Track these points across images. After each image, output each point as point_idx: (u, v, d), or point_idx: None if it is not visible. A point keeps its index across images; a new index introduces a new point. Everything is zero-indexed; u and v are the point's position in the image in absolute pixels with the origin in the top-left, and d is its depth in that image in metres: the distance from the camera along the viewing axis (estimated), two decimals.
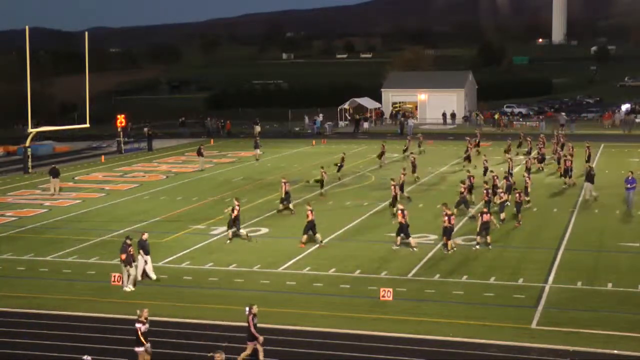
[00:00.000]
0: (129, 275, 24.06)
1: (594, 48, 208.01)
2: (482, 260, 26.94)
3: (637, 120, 75.50)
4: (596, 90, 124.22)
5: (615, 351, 18.16)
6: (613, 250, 28.20)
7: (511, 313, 21.30)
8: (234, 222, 30.23)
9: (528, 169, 41.29)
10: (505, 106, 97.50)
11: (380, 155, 50.60)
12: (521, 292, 23.15)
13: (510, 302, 22.33)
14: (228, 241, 29.94)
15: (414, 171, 43.04)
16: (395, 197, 34.36)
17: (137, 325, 17.31)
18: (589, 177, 37.37)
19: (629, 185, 33.38)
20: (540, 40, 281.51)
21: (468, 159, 49.06)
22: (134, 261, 24.20)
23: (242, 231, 30.52)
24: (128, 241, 24.08)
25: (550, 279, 24.46)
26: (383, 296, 22.49)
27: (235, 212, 30.20)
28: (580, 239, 29.87)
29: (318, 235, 29.20)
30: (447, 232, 27.97)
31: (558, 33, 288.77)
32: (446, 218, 27.82)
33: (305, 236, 29.19)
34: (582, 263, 26.37)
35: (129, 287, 23.95)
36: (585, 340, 18.96)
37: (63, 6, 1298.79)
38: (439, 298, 22.78)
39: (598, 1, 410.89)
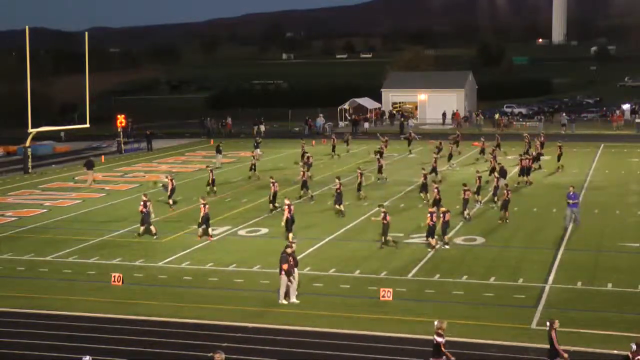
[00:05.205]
0: (287, 287, 22.38)
1: (594, 48, 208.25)
2: (482, 260, 26.95)
3: (637, 120, 75.54)
4: (596, 90, 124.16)
5: (615, 351, 18.15)
6: (613, 250, 28.21)
7: (511, 313, 21.30)
8: (146, 218, 31.00)
9: (493, 169, 41.58)
10: (505, 106, 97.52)
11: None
12: (521, 292, 23.15)
13: (510, 302, 22.33)
14: (137, 235, 31.05)
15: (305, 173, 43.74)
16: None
17: (438, 339, 16.29)
18: (502, 172, 38.91)
19: (570, 202, 31.92)
20: (540, 40, 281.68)
21: (450, 157, 49.81)
22: (293, 272, 22.54)
23: (149, 228, 31.05)
24: (288, 250, 22.51)
25: (550, 279, 24.47)
26: (383, 296, 22.49)
27: (143, 208, 30.85)
28: (580, 239, 29.87)
29: (210, 230, 30.56)
30: (443, 230, 28.37)
31: (558, 33, 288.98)
32: (442, 215, 28.23)
33: (200, 230, 30.34)
34: (582, 263, 26.37)
35: (292, 300, 22.37)
36: (585, 340, 18.96)
37: (63, 6, 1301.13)
38: (439, 298, 22.79)
39: (598, 1, 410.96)
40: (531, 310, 21.37)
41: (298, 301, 22.34)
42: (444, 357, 16.29)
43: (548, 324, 16.57)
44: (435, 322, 16.58)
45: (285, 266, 22.23)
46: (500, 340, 19.20)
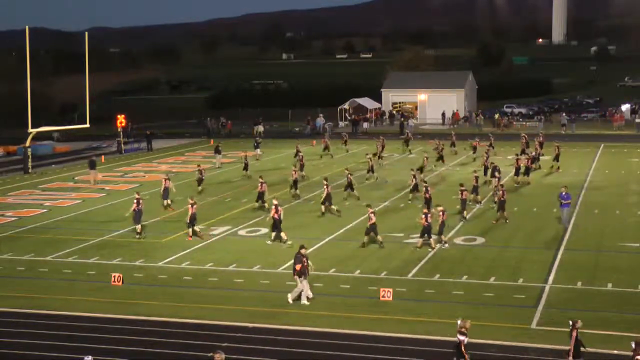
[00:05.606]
0: (301, 288, 22.16)
1: (594, 48, 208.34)
2: (482, 260, 26.96)
3: (637, 120, 75.51)
4: (596, 91, 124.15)
5: (615, 351, 18.17)
6: (613, 250, 28.21)
7: (511, 313, 21.31)
8: (136, 217, 31.20)
9: (486, 168, 42.37)
10: (505, 106, 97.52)
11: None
12: (521, 292, 23.16)
13: (510, 302, 22.34)
14: (138, 236, 31.02)
15: (297, 171, 43.40)
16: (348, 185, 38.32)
17: (461, 337, 16.27)
18: (497, 172, 39.41)
19: (563, 202, 31.85)
20: (540, 40, 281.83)
21: (441, 158, 50.02)
22: (307, 273, 22.38)
23: (138, 226, 31.34)
24: (302, 251, 22.45)
25: (550, 279, 24.47)
26: (383, 296, 22.50)
27: (136, 206, 31.06)
28: (580, 239, 29.87)
29: (197, 229, 30.76)
30: (440, 230, 28.48)
31: (558, 33, 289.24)
32: (441, 214, 28.40)
33: (190, 230, 30.53)
34: (582, 263, 26.37)
35: (303, 301, 22.13)
36: (585, 340, 18.89)
37: (63, 6, 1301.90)
38: (439, 298, 22.80)
39: (598, 1, 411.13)
40: (531, 310, 21.37)
41: (308, 303, 22.21)
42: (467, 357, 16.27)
43: (571, 323, 16.57)
44: (458, 322, 16.57)
45: (298, 266, 22.13)
46: (500, 340, 19.21)
